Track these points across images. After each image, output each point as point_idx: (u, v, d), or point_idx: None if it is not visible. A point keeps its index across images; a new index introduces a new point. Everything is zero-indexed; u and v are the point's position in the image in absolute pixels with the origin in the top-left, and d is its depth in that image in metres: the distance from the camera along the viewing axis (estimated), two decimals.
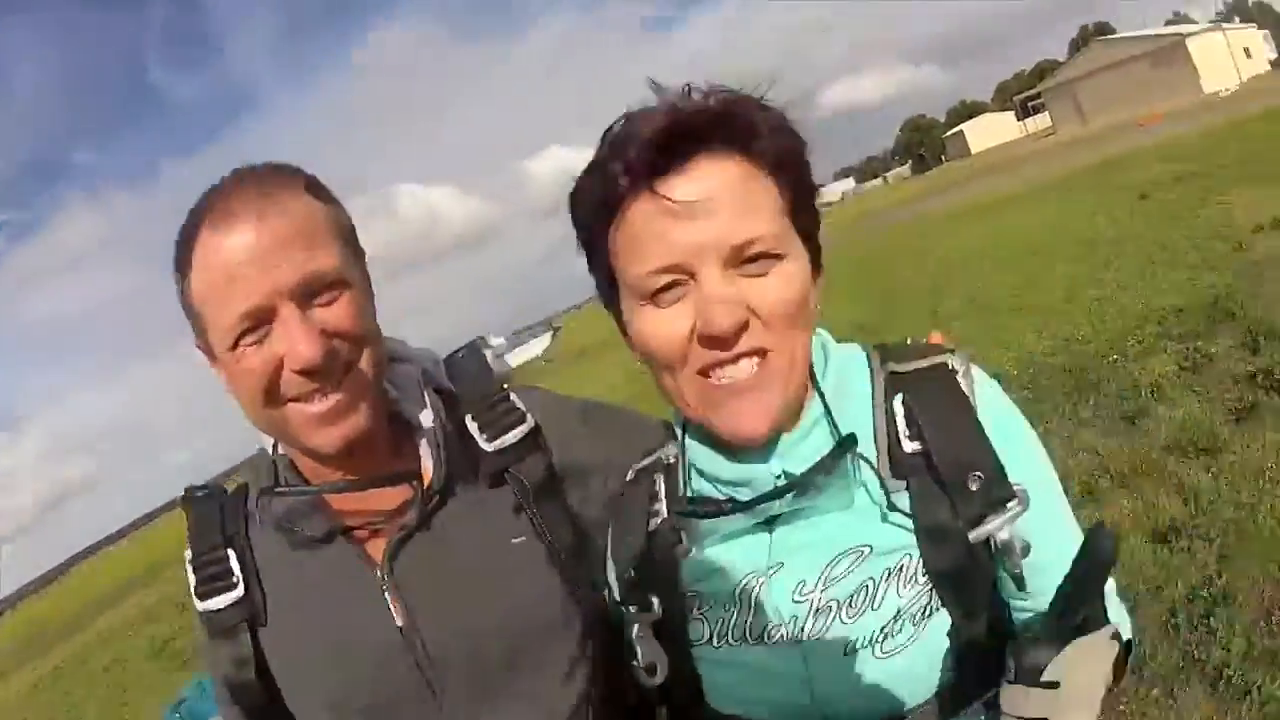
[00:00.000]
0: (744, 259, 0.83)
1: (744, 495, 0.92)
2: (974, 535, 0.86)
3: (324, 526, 1.08)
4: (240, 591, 1.06)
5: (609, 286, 0.94)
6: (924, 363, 0.95)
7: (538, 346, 36.45)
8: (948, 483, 0.88)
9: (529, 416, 1.15)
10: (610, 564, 1.09)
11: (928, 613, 0.89)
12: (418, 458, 1.12)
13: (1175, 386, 5.63)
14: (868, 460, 0.90)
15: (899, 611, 0.88)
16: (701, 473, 0.98)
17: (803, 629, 0.90)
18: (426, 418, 1.14)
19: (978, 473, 0.87)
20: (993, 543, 0.86)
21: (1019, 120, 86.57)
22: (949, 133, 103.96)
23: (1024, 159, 39.24)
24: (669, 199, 0.81)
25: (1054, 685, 0.78)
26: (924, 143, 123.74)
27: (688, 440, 0.98)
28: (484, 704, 1.07)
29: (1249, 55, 54.36)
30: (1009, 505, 0.86)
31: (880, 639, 0.88)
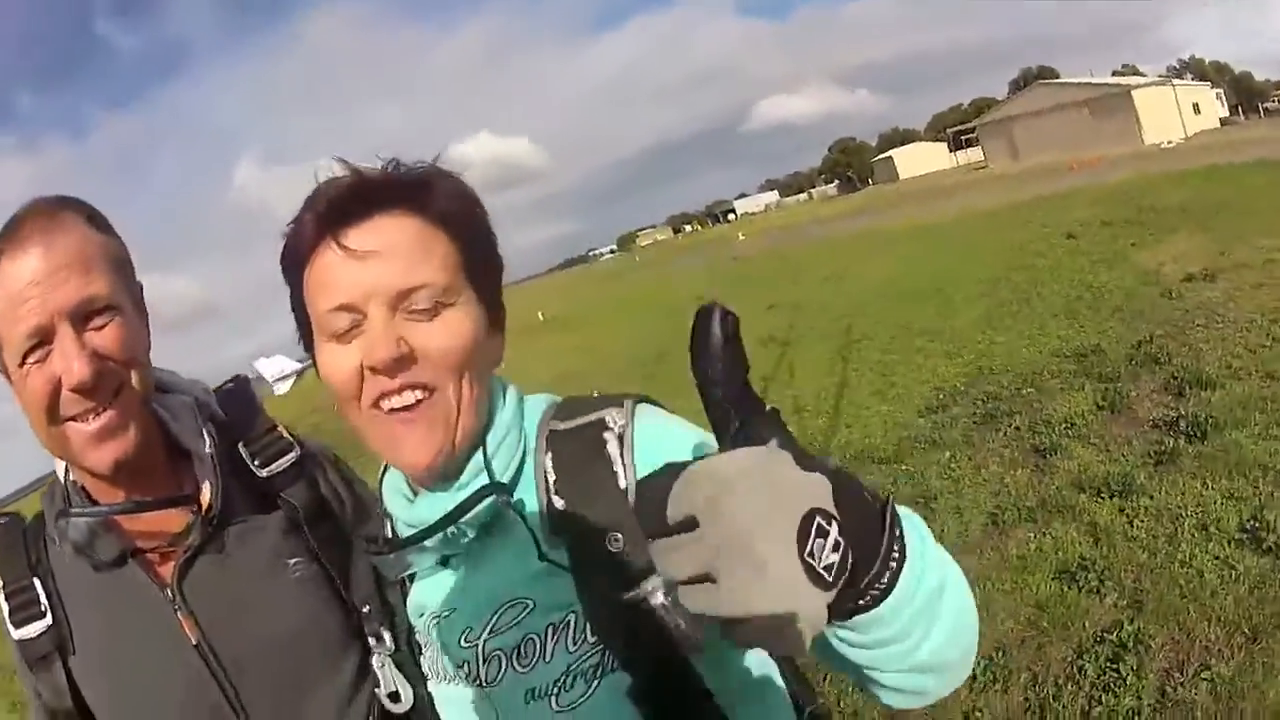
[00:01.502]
0: (412, 304, 0.98)
1: (413, 534, 1.04)
2: (626, 598, 0.92)
3: (116, 549, 1.21)
4: (49, 620, 1.20)
5: (306, 331, 1.07)
6: (581, 420, 1.04)
7: None
8: (590, 544, 0.95)
9: (295, 445, 1.35)
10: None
11: (600, 671, 0.96)
12: (196, 483, 1.28)
13: (1091, 425, 5.83)
14: (525, 518, 1.00)
15: (569, 667, 0.97)
16: (389, 514, 1.12)
17: (479, 674, 1.03)
18: (202, 445, 1.29)
19: (616, 535, 0.94)
20: (650, 604, 0.92)
21: (951, 152, 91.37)
22: (878, 157, 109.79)
23: (953, 189, 41.33)
24: (346, 246, 0.97)
25: (690, 525, 0.64)
26: (851, 164, 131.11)
27: (384, 482, 1.13)
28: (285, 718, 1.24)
29: (1198, 111, 58.83)
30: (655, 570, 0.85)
31: (555, 692, 0.97)
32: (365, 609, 1.19)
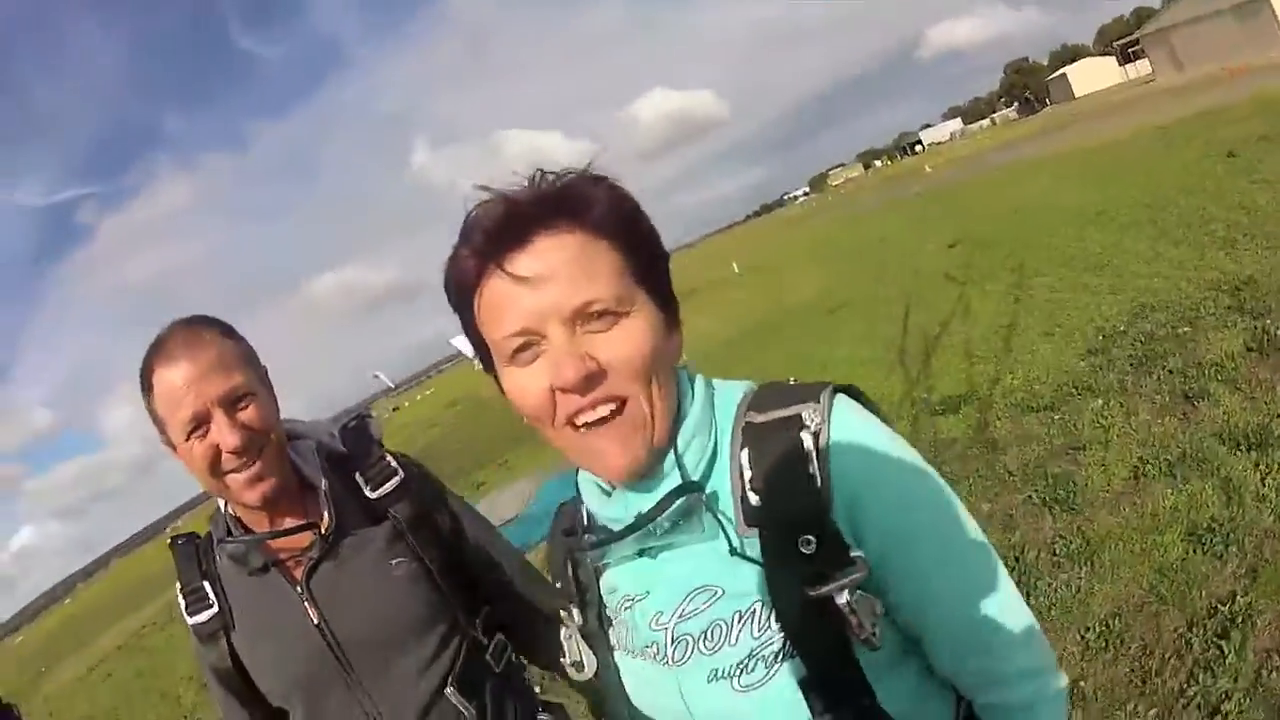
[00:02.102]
0: (588, 318, 0.96)
1: (616, 529, 1.05)
2: (811, 594, 0.93)
3: (261, 560, 1.60)
4: (215, 609, 1.60)
5: (485, 355, 1.06)
6: (778, 414, 1.01)
7: None
8: (782, 544, 0.95)
9: (400, 471, 1.67)
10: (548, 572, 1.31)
11: (780, 657, 0.97)
12: (319, 510, 1.61)
13: (1240, 368, 5.37)
14: (719, 509, 1.00)
15: (753, 651, 0.97)
16: (589, 507, 1.12)
17: (668, 654, 1.04)
18: (320, 482, 1.63)
19: (809, 536, 0.94)
20: (835, 603, 0.93)
21: (1120, 65, 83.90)
22: (1052, 76, 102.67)
23: (1123, 105, 38.24)
24: (512, 273, 0.95)
25: None
26: (1028, 85, 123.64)
27: (580, 479, 1.13)
28: (379, 677, 1.59)
29: None
30: (848, 570, 0.93)
31: (738, 673, 0.98)
32: (557, 583, 1.22)
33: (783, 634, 0.96)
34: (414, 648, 1.62)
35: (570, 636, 1.20)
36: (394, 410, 57.49)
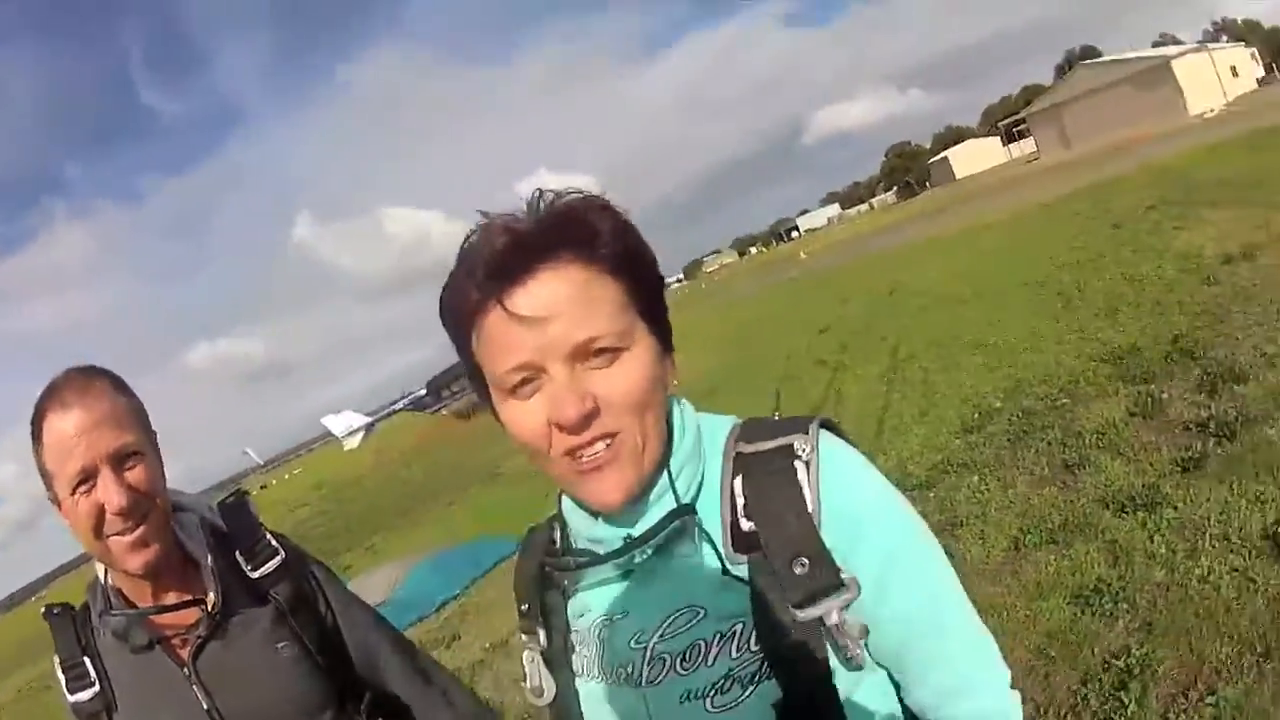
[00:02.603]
0: (588, 354, 1.02)
1: (601, 551, 1.13)
2: (801, 616, 1.02)
3: (146, 637, 1.62)
4: (97, 689, 1.61)
5: (480, 383, 1.13)
6: (769, 444, 1.11)
7: None
8: (775, 566, 1.04)
9: (280, 550, 1.73)
10: (514, 598, 1.35)
11: (757, 679, 1.04)
12: (203, 586, 1.64)
13: (1122, 434, 5.77)
14: (706, 532, 1.09)
15: (729, 672, 1.05)
16: (571, 530, 1.20)
17: (641, 673, 1.11)
18: (205, 557, 1.67)
19: (803, 559, 1.03)
20: (824, 623, 1.02)
21: (1004, 145, 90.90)
22: (934, 158, 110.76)
23: (1006, 184, 41.33)
24: (513, 311, 1.00)
25: None
26: (909, 169, 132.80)
27: (564, 502, 1.21)
28: None
29: (1236, 74, 58.03)
30: (838, 591, 1.02)
31: (712, 693, 1.06)
32: (524, 606, 1.29)
33: (761, 656, 1.04)
34: None
35: (532, 660, 1.27)
36: (262, 488, 59.45)
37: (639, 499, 1.10)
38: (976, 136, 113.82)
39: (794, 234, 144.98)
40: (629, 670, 1.13)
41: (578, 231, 1.04)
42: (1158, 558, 4.07)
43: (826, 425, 1.15)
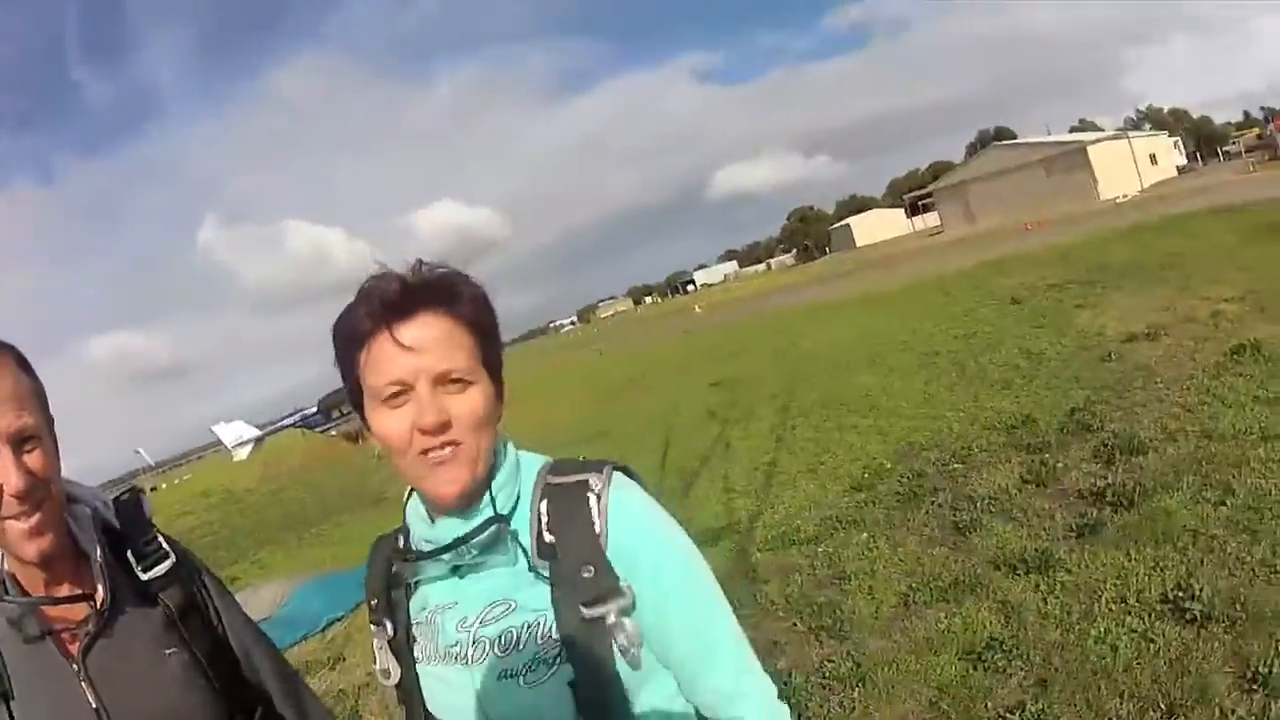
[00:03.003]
0: (447, 381, 1.40)
1: (433, 549, 1.49)
2: (587, 613, 1.39)
3: (38, 628, 1.63)
4: None
5: (357, 393, 1.48)
6: (570, 479, 1.50)
7: None
8: (565, 571, 1.42)
9: (171, 553, 1.78)
10: (365, 593, 1.70)
11: (558, 661, 1.40)
12: (93, 581, 1.67)
13: (1015, 499, 6.00)
14: (519, 541, 1.46)
15: (536, 655, 1.41)
16: (413, 532, 1.55)
17: (467, 654, 1.47)
18: (95, 552, 1.69)
19: (590, 566, 1.41)
20: (604, 622, 1.38)
21: (908, 217, 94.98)
22: (836, 225, 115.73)
23: (906, 256, 43.43)
24: (398, 340, 1.38)
25: None
26: (809, 233, 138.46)
27: (408, 508, 1.57)
28: None
29: (1155, 162, 62.48)
30: (616, 596, 1.39)
31: (524, 672, 1.41)
32: (374, 601, 1.63)
33: (560, 643, 1.39)
34: None
35: (381, 647, 1.60)
36: (151, 489, 58.65)
37: (468, 507, 1.45)
38: (880, 207, 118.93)
39: (690, 287, 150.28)
40: (458, 651, 1.48)
41: (449, 292, 1.43)
42: (1051, 618, 4.20)
43: (623, 469, 1.53)
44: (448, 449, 1.41)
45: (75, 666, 1.63)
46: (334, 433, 38.27)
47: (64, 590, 1.65)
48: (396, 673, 1.58)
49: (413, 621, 1.58)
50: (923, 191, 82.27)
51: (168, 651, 1.70)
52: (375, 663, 1.62)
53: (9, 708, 1.63)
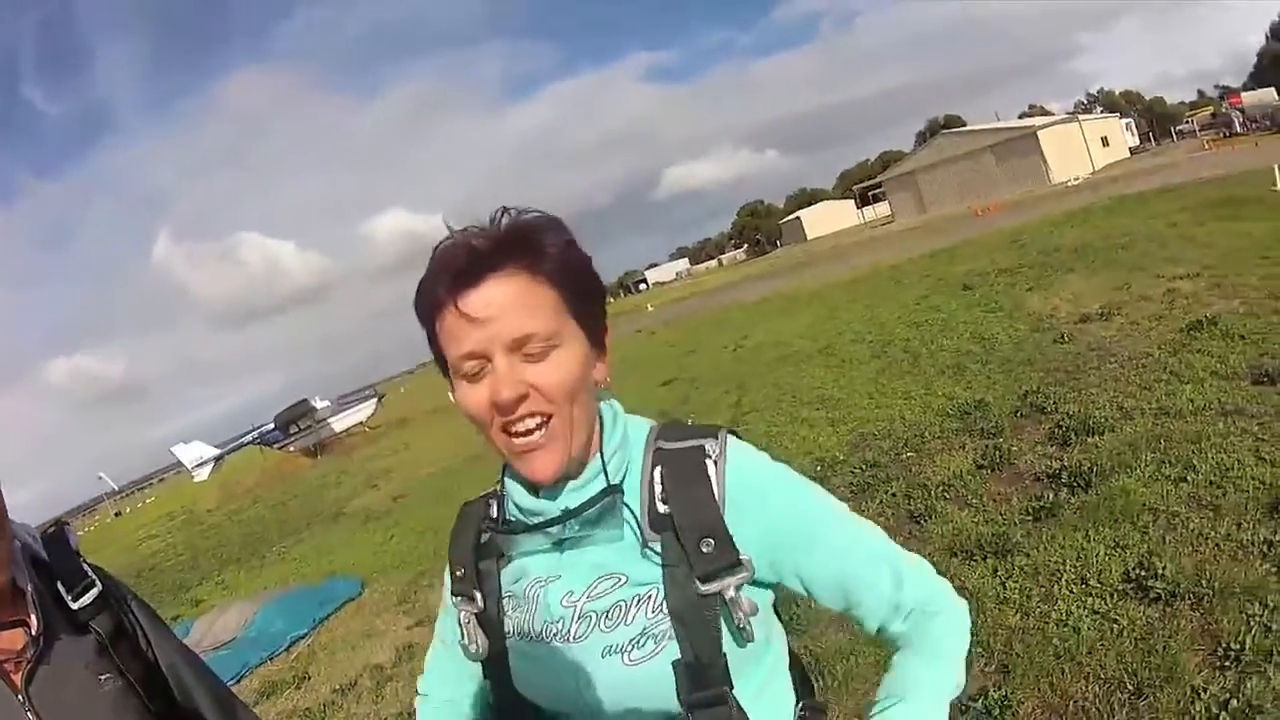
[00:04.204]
0: (526, 348, 1.31)
1: (537, 522, 1.44)
2: (702, 589, 1.32)
3: None
4: None
5: (444, 365, 1.41)
6: (684, 444, 1.42)
7: (363, 413, 42.28)
8: (685, 544, 1.33)
9: (98, 582, 1.79)
10: (448, 563, 1.63)
11: (667, 637, 1.33)
12: (27, 611, 1.68)
13: (969, 485, 5.99)
14: (631, 510, 1.39)
15: (644, 630, 1.34)
16: (512, 503, 1.49)
17: (569, 630, 1.40)
18: (27, 583, 1.70)
19: (709, 539, 1.33)
20: (721, 597, 1.32)
21: (859, 208, 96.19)
22: (787, 218, 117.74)
23: (857, 246, 43.75)
24: (465, 311, 1.31)
25: None
26: (760, 227, 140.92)
27: (505, 477, 1.50)
28: None
29: (1106, 144, 63.89)
30: (735, 570, 1.32)
31: (629, 649, 1.35)
32: (460, 571, 1.56)
33: (670, 618, 1.33)
34: None
35: (469, 622, 1.53)
36: (116, 514, 62.27)
37: (573, 477, 1.40)
38: (830, 199, 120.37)
39: (642, 286, 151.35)
40: (559, 627, 1.42)
41: (525, 246, 1.33)
42: (1011, 602, 4.18)
43: (732, 432, 1.45)
44: (531, 422, 1.33)
45: (20, 697, 1.65)
46: (292, 449, 40.04)
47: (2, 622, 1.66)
48: (483, 647, 1.53)
49: (504, 594, 1.53)
50: (872, 182, 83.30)
51: (102, 678, 1.72)
52: (462, 637, 1.55)
53: None
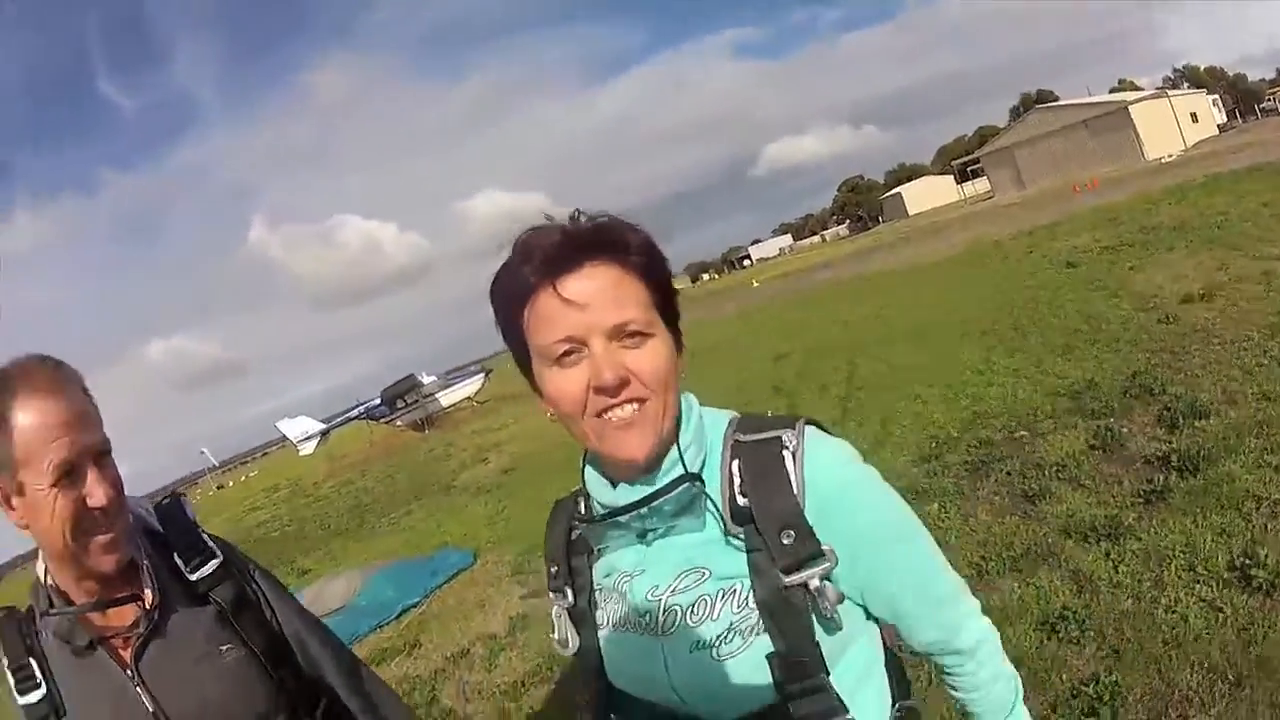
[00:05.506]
0: (622, 335, 1.27)
1: (619, 510, 1.37)
2: (787, 580, 1.26)
3: (86, 638, 1.63)
4: (44, 691, 1.62)
5: (523, 355, 1.37)
6: (762, 436, 1.36)
7: (470, 388, 39.78)
8: (765, 536, 1.28)
9: (219, 552, 1.76)
10: (544, 560, 1.60)
11: (755, 631, 1.28)
12: (141, 585, 1.65)
13: (1083, 466, 5.87)
14: (713, 501, 1.33)
15: (731, 625, 1.29)
16: (594, 497, 1.44)
17: (657, 623, 1.35)
18: (141, 557, 1.67)
19: (790, 531, 1.27)
20: (806, 588, 1.26)
21: (958, 184, 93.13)
22: (887, 194, 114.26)
23: (959, 222, 42.22)
24: (564, 295, 1.26)
25: None
26: (861, 203, 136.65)
27: (586, 472, 1.46)
28: None
29: (1195, 120, 60.67)
30: (818, 560, 1.26)
31: (717, 644, 1.29)
32: (553, 568, 1.54)
33: (758, 612, 1.27)
34: None
35: (560, 616, 1.51)
36: (219, 488, 61.81)
37: (654, 468, 1.34)
38: (929, 174, 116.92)
39: (746, 262, 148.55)
40: (646, 620, 1.37)
41: (614, 239, 1.29)
42: (1123, 587, 4.13)
43: (811, 423, 1.39)
44: (630, 408, 1.29)
45: (129, 672, 1.62)
46: (399, 423, 38.46)
47: (113, 598, 1.63)
48: (575, 642, 1.49)
49: (595, 588, 1.49)
50: (970, 158, 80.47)
51: (223, 648, 1.67)
52: (553, 632, 1.53)
53: None
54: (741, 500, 1.31)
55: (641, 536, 1.40)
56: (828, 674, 1.27)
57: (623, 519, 1.37)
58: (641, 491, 1.35)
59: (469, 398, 39.04)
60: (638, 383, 1.28)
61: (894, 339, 13.70)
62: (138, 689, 1.61)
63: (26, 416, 1.49)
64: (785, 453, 1.33)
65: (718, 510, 1.33)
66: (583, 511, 1.51)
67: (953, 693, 1.45)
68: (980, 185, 78.06)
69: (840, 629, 1.29)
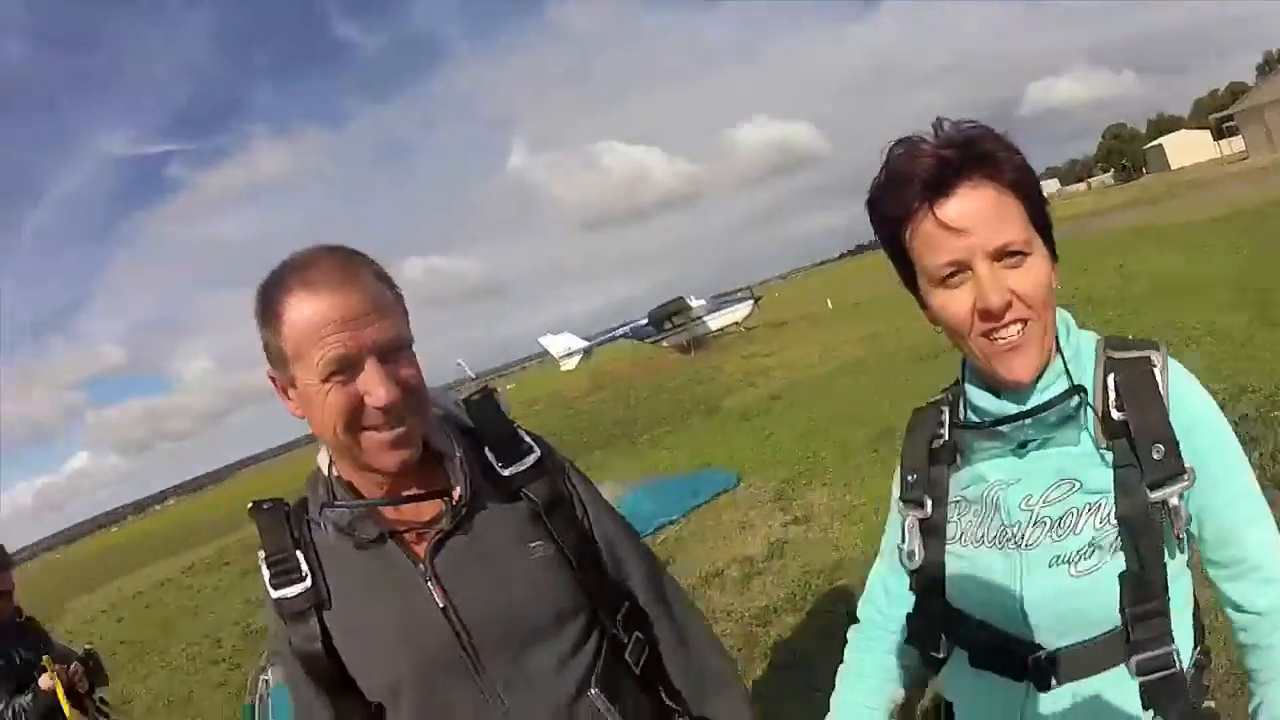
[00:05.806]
0: (1004, 255, 1.29)
1: (1003, 419, 1.39)
2: (1153, 496, 1.28)
3: (375, 531, 1.54)
4: (308, 584, 1.52)
5: (907, 272, 1.42)
6: (1132, 354, 1.38)
7: (739, 313, 38.92)
8: (1139, 450, 1.30)
9: (535, 447, 1.66)
10: (897, 470, 1.60)
11: (1113, 549, 1.30)
12: (447, 481, 1.56)
13: None
14: (1093, 408, 1.35)
15: (1091, 541, 1.31)
16: (973, 406, 1.46)
17: (1023, 535, 1.37)
18: (453, 451, 1.58)
19: (1160, 446, 1.29)
20: (1166, 506, 1.28)
21: (1215, 140, 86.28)
22: (1149, 145, 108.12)
23: (1217, 181, 39.11)
24: (945, 221, 1.29)
25: None
26: (1124, 152, 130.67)
27: (965, 383, 1.48)
28: (511, 672, 1.54)
29: None
30: (1180, 478, 1.28)
31: (1076, 559, 1.32)
32: (911, 477, 1.55)
33: (1118, 529, 1.30)
34: (553, 642, 1.58)
35: (912, 527, 1.53)
36: None
37: (1039, 381, 1.37)
38: (1187, 127, 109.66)
39: None
40: (1015, 530, 1.38)
41: (986, 157, 1.30)
42: None
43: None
44: (1015, 329, 1.30)
45: (421, 566, 1.51)
46: (665, 344, 37.72)
47: (412, 493, 1.54)
48: (920, 556, 1.50)
49: (952, 500, 1.50)
50: (1225, 114, 73.95)
51: (532, 545, 1.58)
52: (902, 541, 1.54)
53: (323, 619, 1.52)
54: (1117, 414, 1.33)
55: (1021, 446, 1.40)
56: (1167, 596, 1.29)
57: (1005, 428, 1.38)
58: (1028, 402, 1.37)
59: (737, 323, 38.23)
60: (1021, 304, 1.29)
61: (1161, 296, 12.81)
62: (429, 584, 1.51)
63: (297, 311, 1.39)
64: (1155, 370, 1.34)
65: (1090, 424, 1.35)
66: (958, 418, 1.51)
67: (1245, 659, 1.40)
68: (1236, 143, 71.66)
69: (1182, 554, 1.33)
